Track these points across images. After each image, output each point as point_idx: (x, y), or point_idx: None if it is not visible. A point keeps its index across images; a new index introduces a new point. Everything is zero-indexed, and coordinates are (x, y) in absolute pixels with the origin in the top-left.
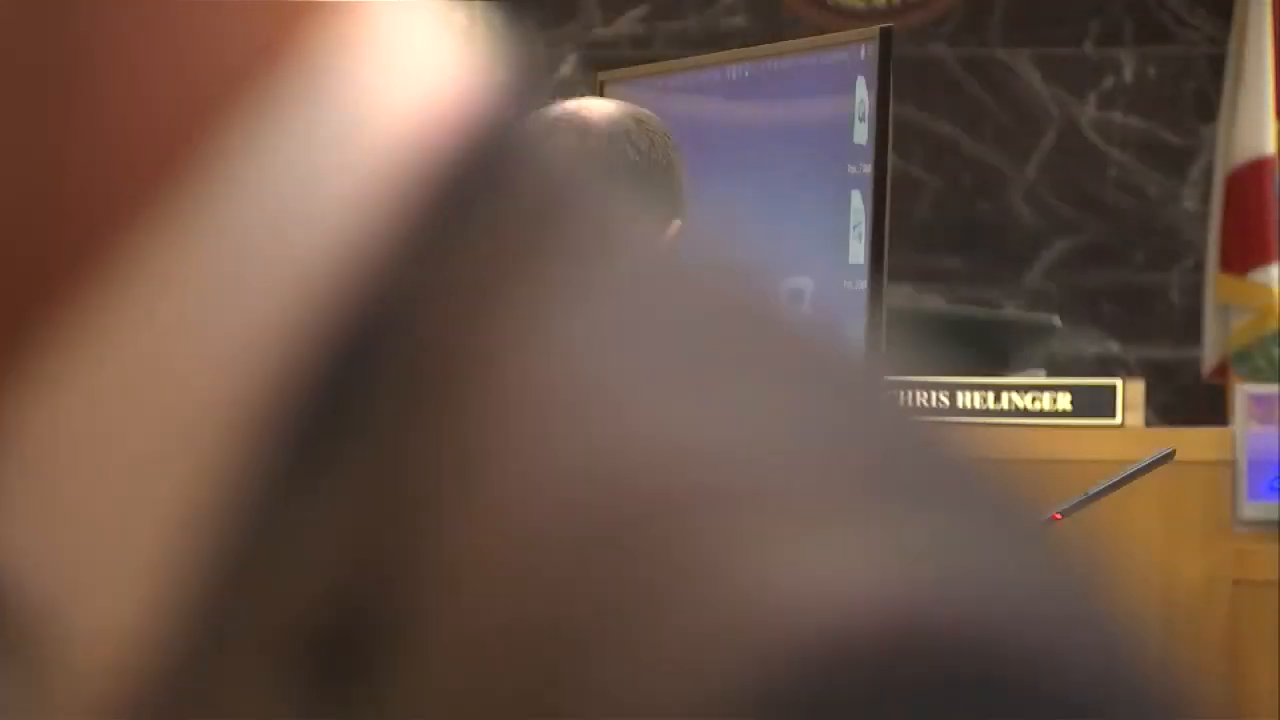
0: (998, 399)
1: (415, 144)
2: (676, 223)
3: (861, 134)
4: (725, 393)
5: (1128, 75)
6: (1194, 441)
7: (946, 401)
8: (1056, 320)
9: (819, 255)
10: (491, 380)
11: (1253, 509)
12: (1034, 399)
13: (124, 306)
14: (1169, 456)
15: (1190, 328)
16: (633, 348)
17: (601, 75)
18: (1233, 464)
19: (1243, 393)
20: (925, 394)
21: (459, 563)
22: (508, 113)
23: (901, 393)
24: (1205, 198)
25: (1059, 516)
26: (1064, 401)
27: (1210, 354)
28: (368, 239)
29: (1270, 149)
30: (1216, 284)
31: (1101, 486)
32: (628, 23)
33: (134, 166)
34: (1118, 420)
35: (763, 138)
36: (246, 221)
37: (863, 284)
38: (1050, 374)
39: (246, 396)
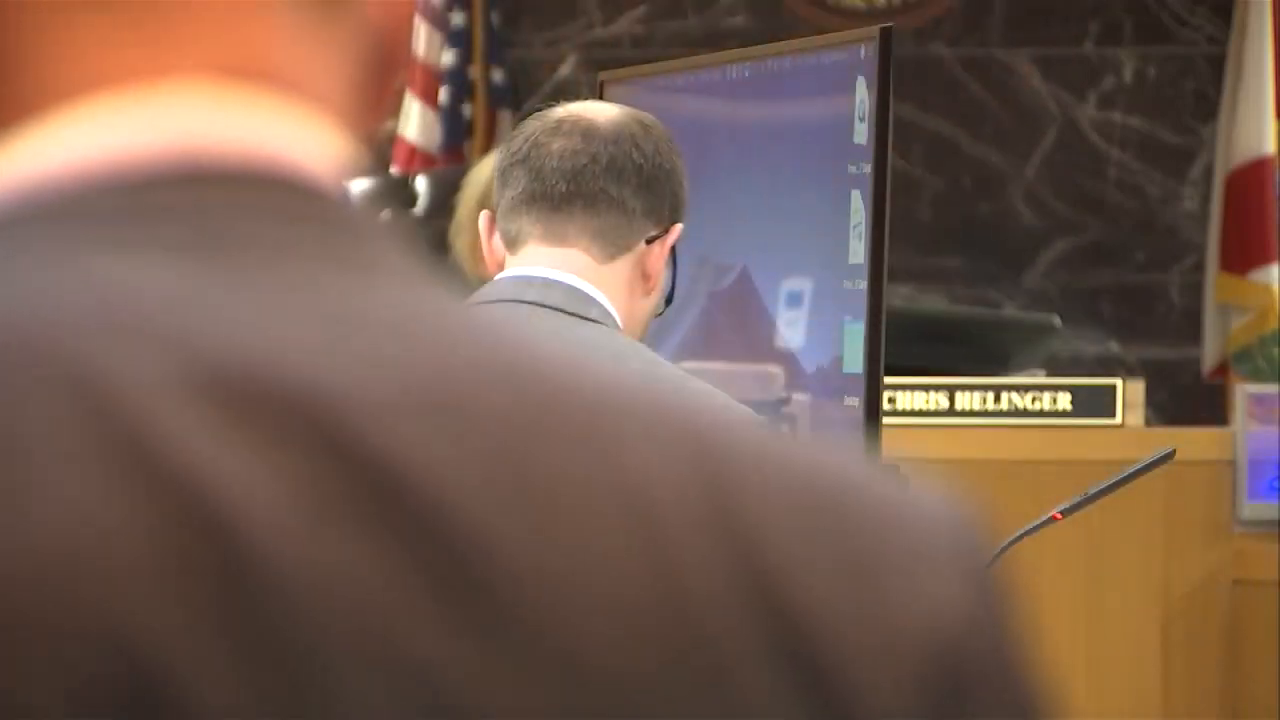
0: (998, 399)
1: None
2: (679, 226)
3: (861, 134)
4: None
5: (1128, 75)
6: (1194, 441)
7: (946, 402)
8: (1056, 320)
9: (819, 255)
10: None
11: (1253, 509)
12: (1034, 399)
13: None
14: (1169, 456)
15: (1190, 328)
16: None
17: (602, 75)
18: (1233, 464)
19: (1243, 393)
20: (926, 394)
21: None
22: None
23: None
24: (1205, 198)
25: (1059, 516)
26: (1064, 401)
27: (1210, 354)
28: None
29: (1270, 149)
30: (1216, 284)
31: (1101, 486)
32: (628, 23)
33: None
34: (1118, 420)
35: (763, 138)
36: None
37: (863, 284)
38: (1050, 374)
39: None
